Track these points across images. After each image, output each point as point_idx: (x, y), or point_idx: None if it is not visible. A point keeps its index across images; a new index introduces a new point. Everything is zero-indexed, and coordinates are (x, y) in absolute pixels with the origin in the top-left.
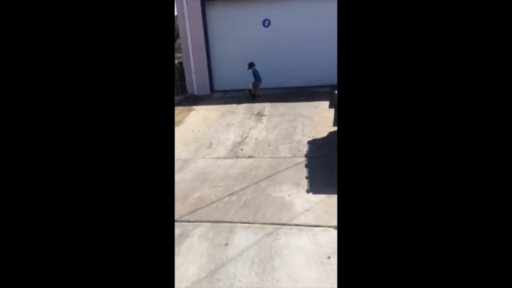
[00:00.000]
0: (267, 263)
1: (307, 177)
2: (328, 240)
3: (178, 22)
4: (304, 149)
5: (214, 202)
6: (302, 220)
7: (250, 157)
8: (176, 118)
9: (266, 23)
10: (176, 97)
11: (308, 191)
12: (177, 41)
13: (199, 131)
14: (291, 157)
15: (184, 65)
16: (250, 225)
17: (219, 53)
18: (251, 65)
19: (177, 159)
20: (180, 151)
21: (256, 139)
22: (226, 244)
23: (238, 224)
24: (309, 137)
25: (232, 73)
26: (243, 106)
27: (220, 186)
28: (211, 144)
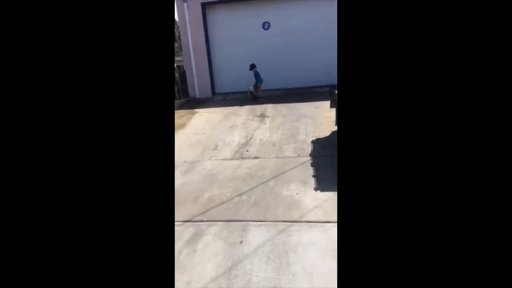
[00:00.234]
0: (282, 258)
1: (313, 176)
2: None
3: (179, 26)
4: (308, 148)
5: (224, 202)
6: (312, 217)
7: (255, 157)
8: (180, 121)
9: (266, 25)
10: (178, 101)
11: (316, 189)
12: (175, 44)
13: (204, 133)
14: (296, 156)
15: (186, 68)
16: (262, 223)
17: (220, 56)
18: (252, 66)
19: (184, 162)
20: (186, 154)
21: (260, 140)
22: (241, 242)
23: (250, 223)
24: (312, 136)
25: (233, 76)
26: (245, 108)
27: (229, 186)
28: (216, 146)
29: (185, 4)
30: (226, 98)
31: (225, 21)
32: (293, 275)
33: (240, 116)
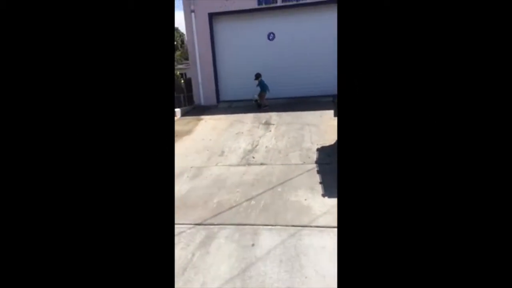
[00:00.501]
0: (294, 261)
1: (320, 182)
2: None
3: (187, 35)
4: (314, 156)
5: (234, 206)
6: (322, 222)
7: (262, 164)
8: (186, 128)
9: (271, 36)
10: (183, 107)
11: (323, 195)
12: (178, 52)
13: (210, 139)
14: (302, 164)
15: (192, 76)
16: (273, 227)
17: (225, 64)
18: (257, 76)
19: (191, 167)
20: (193, 159)
21: (266, 147)
22: (253, 245)
23: (261, 227)
24: (317, 144)
25: (238, 84)
26: (250, 115)
27: (237, 191)
28: (222, 152)
29: (192, 14)
30: (231, 105)
31: (231, 31)
32: (306, 277)
33: (245, 124)
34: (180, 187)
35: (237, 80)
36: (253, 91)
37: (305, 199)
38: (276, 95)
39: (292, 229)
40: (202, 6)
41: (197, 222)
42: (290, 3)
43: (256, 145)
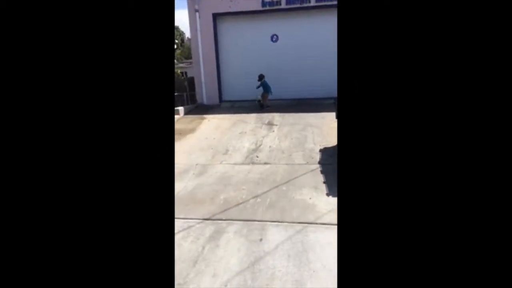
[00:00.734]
0: (302, 256)
1: (324, 182)
2: None
3: (191, 35)
4: (317, 156)
5: (241, 203)
6: (327, 219)
7: (266, 163)
8: (190, 126)
9: (274, 38)
10: (186, 106)
11: (327, 194)
12: (178, 51)
13: (214, 138)
14: (305, 163)
15: (195, 75)
16: (280, 223)
17: (228, 65)
18: (261, 77)
19: (196, 164)
20: (198, 157)
21: (270, 146)
22: (261, 240)
23: (268, 223)
24: (320, 145)
25: (240, 84)
26: (253, 115)
27: (243, 189)
28: (227, 150)
29: (197, 13)
30: (233, 105)
31: (234, 31)
32: (314, 271)
33: (249, 124)
34: (187, 183)
35: (240, 80)
36: (255, 92)
37: (310, 198)
38: (279, 96)
39: (298, 226)
40: (206, 6)
41: (205, 217)
42: (294, 5)
43: (260, 145)
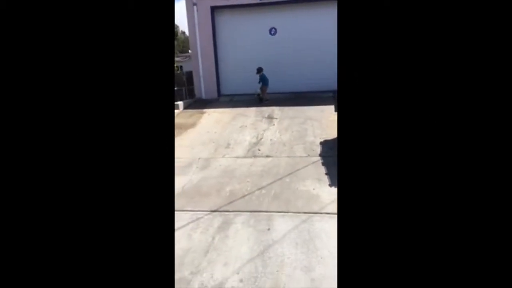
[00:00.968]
0: (309, 244)
1: (326, 174)
2: None
3: (188, 28)
4: (318, 149)
5: (246, 195)
6: (331, 209)
7: (268, 156)
8: (190, 120)
9: (272, 31)
10: (185, 101)
11: (330, 185)
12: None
13: (215, 132)
14: (306, 156)
15: (193, 69)
16: (285, 213)
17: (227, 58)
18: (259, 70)
19: (199, 158)
20: (200, 151)
21: (271, 140)
22: (268, 229)
23: (274, 213)
24: (320, 138)
25: (239, 78)
26: (253, 109)
27: (247, 181)
28: (228, 144)
29: (194, 7)
30: (232, 99)
31: (233, 25)
32: (321, 257)
33: (249, 117)
34: (191, 177)
35: (238, 74)
36: (254, 85)
37: (313, 189)
38: (277, 89)
39: (304, 216)
40: None
41: (213, 209)
42: None
43: (261, 138)
